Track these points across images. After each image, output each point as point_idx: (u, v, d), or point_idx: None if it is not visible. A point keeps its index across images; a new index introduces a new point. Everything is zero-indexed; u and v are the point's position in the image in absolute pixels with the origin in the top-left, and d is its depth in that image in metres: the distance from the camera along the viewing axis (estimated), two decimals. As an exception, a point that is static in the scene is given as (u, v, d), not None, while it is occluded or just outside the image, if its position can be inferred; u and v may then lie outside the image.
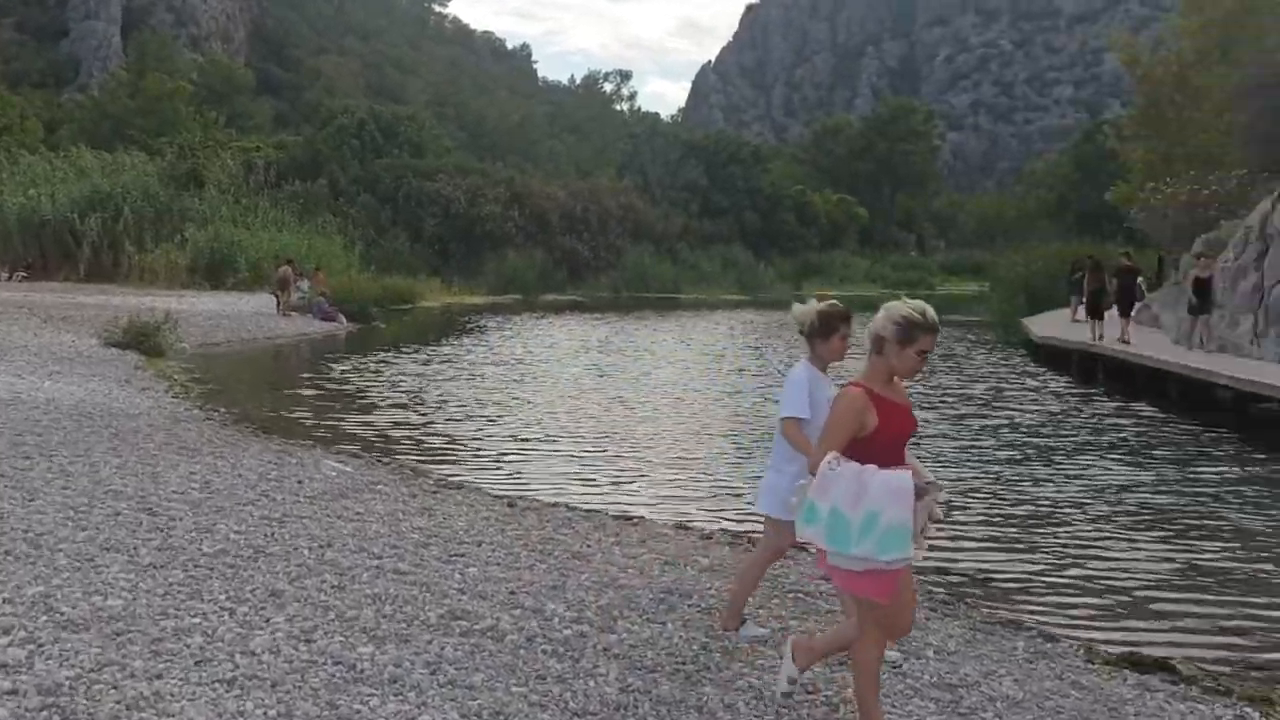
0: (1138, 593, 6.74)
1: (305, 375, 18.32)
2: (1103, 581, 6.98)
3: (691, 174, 71.49)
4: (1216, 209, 23.96)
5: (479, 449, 11.58)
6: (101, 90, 77.99)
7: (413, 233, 49.69)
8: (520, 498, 8.42)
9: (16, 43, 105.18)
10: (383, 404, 14.75)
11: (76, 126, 66.00)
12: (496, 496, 8.36)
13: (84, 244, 36.65)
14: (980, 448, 12.55)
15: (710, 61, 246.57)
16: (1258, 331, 17.14)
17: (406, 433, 12.59)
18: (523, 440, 12.12)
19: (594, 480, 9.98)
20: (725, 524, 8.05)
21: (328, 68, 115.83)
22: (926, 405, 15.76)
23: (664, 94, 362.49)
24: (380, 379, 17.58)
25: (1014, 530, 8.49)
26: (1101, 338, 22.00)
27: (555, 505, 8.00)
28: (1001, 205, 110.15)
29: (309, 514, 6.87)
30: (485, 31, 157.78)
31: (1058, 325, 24.98)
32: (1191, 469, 11.59)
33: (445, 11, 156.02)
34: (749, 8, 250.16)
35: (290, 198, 46.33)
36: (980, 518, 8.82)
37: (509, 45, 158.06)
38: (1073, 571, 7.22)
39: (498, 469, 10.46)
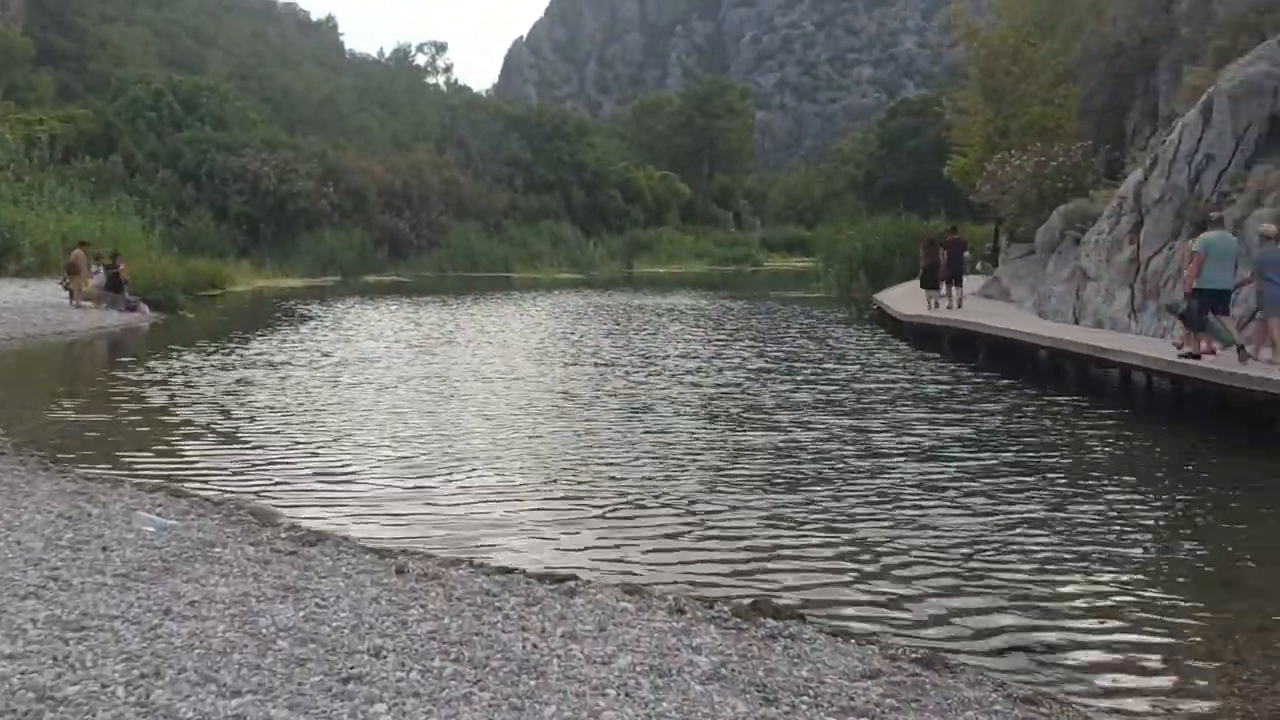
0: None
1: (104, 381, 15.57)
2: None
3: (515, 148, 69.43)
4: (1063, 182, 24.03)
5: (328, 474, 9.70)
6: None
7: (218, 212, 46.02)
8: (404, 552, 6.73)
9: None
10: (201, 418, 12.36)
11: None
12: (374, 553, 6.65)
13: None
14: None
15: (522, 36, 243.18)
16: (1135, 305, 16.91)
17: (235, 456, 10.50)
18: (379, 462, 10.27)
19: (479, 513, 8.41)
20: (682, 578, 6.59)
21: (116, 37, 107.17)
22: (829, 402, 14.85)
23: (475, 69, 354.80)
24: (195, 385, 15.01)
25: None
26: (936, 306, 23.45)
27: (456, 564, 6.31)
28: (809, 182, 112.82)
29: (121, 610, 4.98)
30: (289, 2, 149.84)
31: (920, 303, 24.79)
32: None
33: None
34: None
35: (80, 175, 42.08)
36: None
37: (314, 17, 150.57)
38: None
39: (357, 502, 8.75)
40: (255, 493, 8.97)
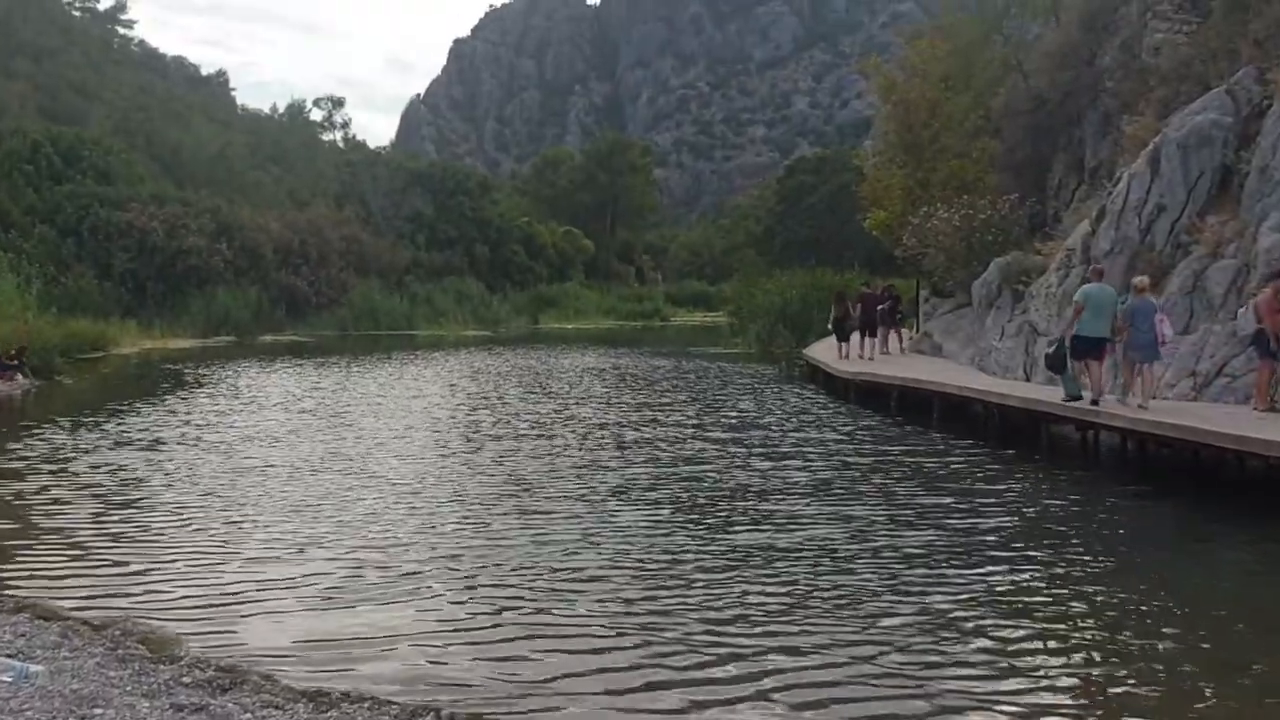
0: None
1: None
2: None
3: (417, 204, 67.85)
4: (992, 235, 23.67)
5: (233, 584, 8.12)
6: None
7: (102, 269, 43.34)
8: (346, 698, 5.34)
9: None
10: (78, 512, 10.65)
11: None
12: (307, 699, 5.26)
13: None
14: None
15: (419, 95, 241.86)
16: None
17: (119, 562, 8.84)
18: (294, 568, 8.69)
19: (428, 639, 7.07)
20: None
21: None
22: (814, 484, 13.73)
23: (370, 127, 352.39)
24: (69, 469, 13.15)
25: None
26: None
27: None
28: (710, 237, 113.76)
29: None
30: (177, 56, 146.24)
31: (859, 360, 24.30)
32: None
33: (130, 34, 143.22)
34: (456, 42, 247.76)
35: (-53, 231, 39.30)
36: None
37: (204, 71, 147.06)
38: None
39: (272, 621, 7.27)
40: (146, 610, 7.42)
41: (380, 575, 8.34)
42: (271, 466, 13.31)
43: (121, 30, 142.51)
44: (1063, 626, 7.25)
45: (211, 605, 7.58)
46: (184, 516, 10.40)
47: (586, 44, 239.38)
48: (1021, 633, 7.07)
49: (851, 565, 8.67)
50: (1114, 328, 13.96)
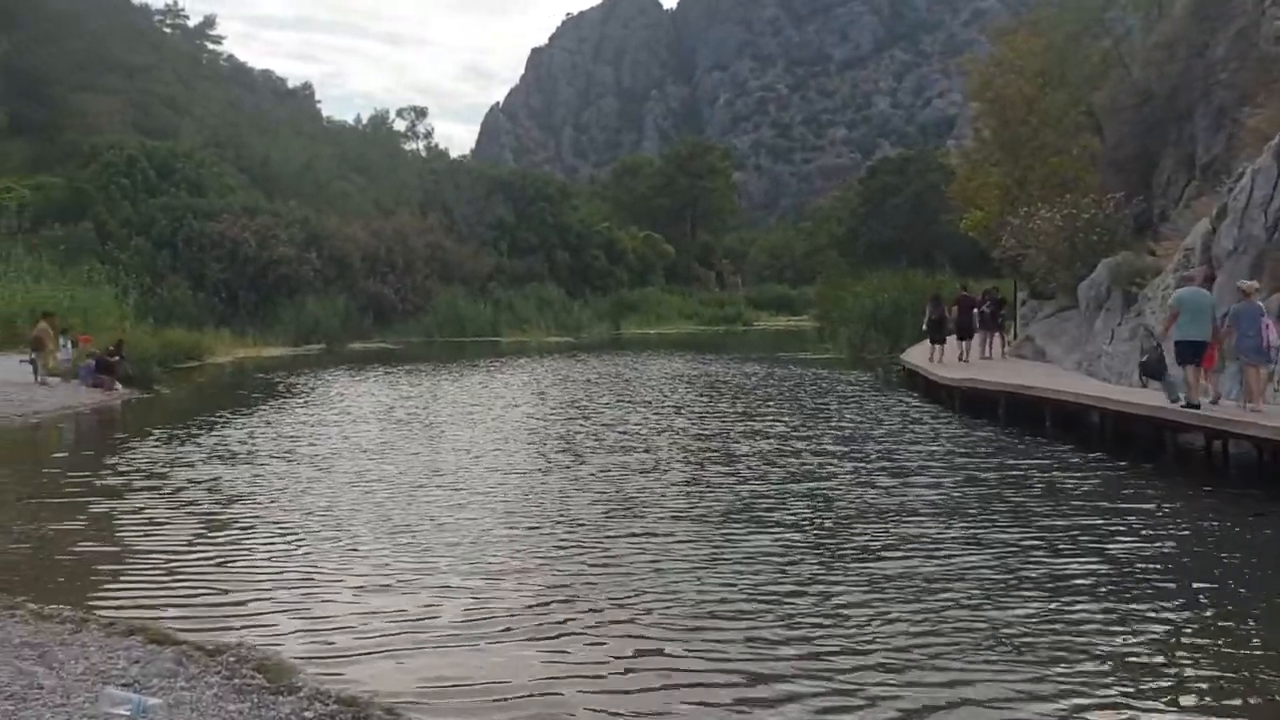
0: None
1: (69, 477, 13.56)
2: None
3: (499, 211, 68.12)
4: (1097, 235, 22.69)
5: (346, 607, 7.84)
6: None
7: (196, 280, 44.13)
8: None
9: None
10: (185, 529, 10.47)
11: None
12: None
13: None
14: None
15: (499, 103, 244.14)
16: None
17: (229, 581, 8.65)
18: (407, 591, 8.35)
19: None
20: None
21: (89, 105, 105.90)
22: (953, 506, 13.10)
23: (451, 136, 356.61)
24: (174, 482, 13.04)
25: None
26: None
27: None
28: (790, 240, 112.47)
29: None
30: (264, 70, 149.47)
31: (963, 364, 23.64)
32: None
33: (219, 49, 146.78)
34: (535, 50, 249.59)
35: (49, 243, 40.36)
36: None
37: (290, 85, 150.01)
38: None
39: (390, 649, 6.96)
40: (260, 633, 7.15)
41: (499, 607, 7.86)
42: (370, 482, 13.04)
43: (210, 45, 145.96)
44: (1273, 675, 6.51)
45: (318, 633, 7.25)
46: (285, 537, 10.11)
47: (663, 49, 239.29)
48: (1228, 683, 6.35)
49: (1006, 598, 7.96)
50: (1214, 331, 13.92)
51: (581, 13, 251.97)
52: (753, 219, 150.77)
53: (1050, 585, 8.29)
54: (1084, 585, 8.30)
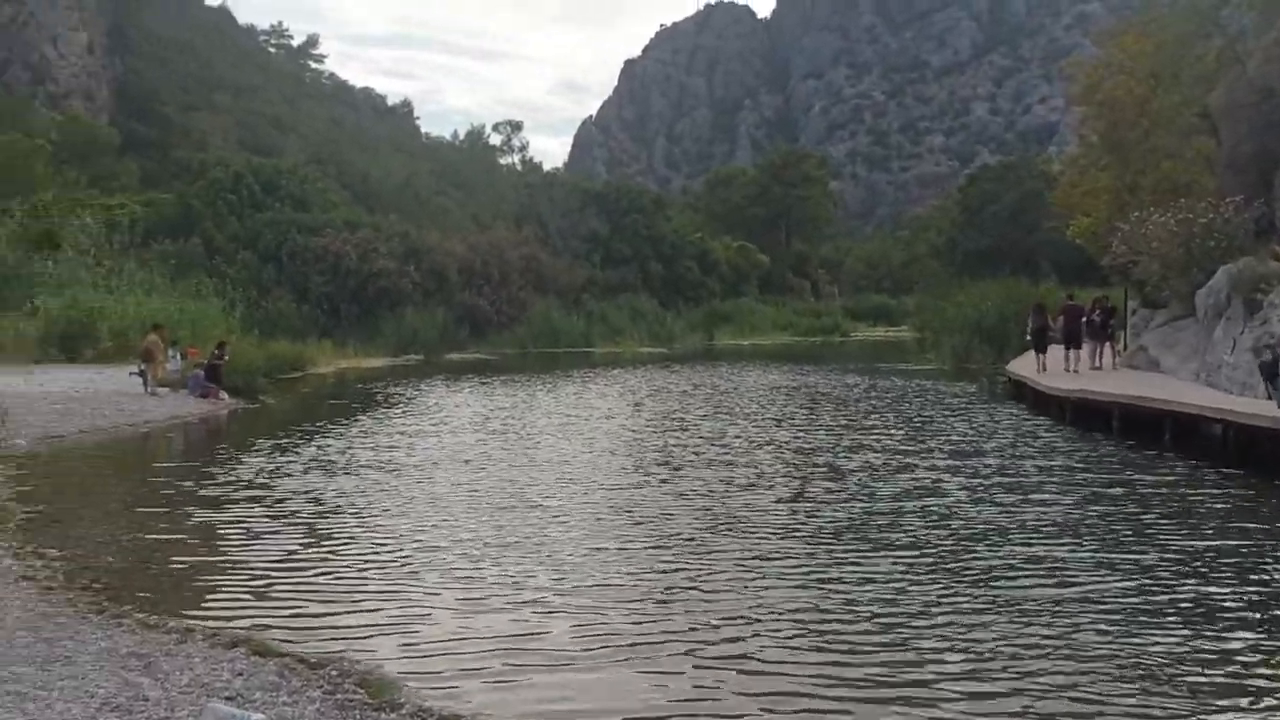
0: None
1: (176, 486, 13.71)
2: None
3: (592, 223, 68.37)
4: (1214, 240, 21.61)
5: (439, 629, 7.59)
6: (-56, 150, 71.30)
7: (299, 293, 45.10)
8: None
9: None
10: (287, 539, 10.46)
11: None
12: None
13: (-90, 316, 31.66)
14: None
15: (591, 116, 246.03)
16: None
17: (331, 592, 8.53)
18: (510, 605, 8.17)
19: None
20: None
21: (198, 125, 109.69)
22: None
23: (545, 150, 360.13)
24: (278, 492, 13.12)
25: None
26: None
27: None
28: (887, 249, 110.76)
29: None
30: (365, 88, 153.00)
31: (1072, 375, 22.77)
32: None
33: (321, 69, 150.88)
34: (627, 63, 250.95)
35: (160, 258, 41.67)
36: None
37: (390, 102, 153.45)
38: None
39: (492, 666, 6.73)
40: (360, 647, 6.99)
41: (603, 626, 7.59)
42: (469, 494, 12.91)
43: (313, 65, 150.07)
44: None
45: (419, 648, 7.08)
46: (386, 549, 9.99)
47: (757, 58, 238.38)
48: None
49: (1146, 624, 7.42)
50: None
51: (675, 24, 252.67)
52: (849, 228, 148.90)
53: (1194, 612, 7.71)
54: (1233, 614, 7.69)
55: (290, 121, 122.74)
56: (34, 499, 12.34)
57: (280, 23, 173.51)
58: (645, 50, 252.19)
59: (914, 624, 7.55)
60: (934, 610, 7.86)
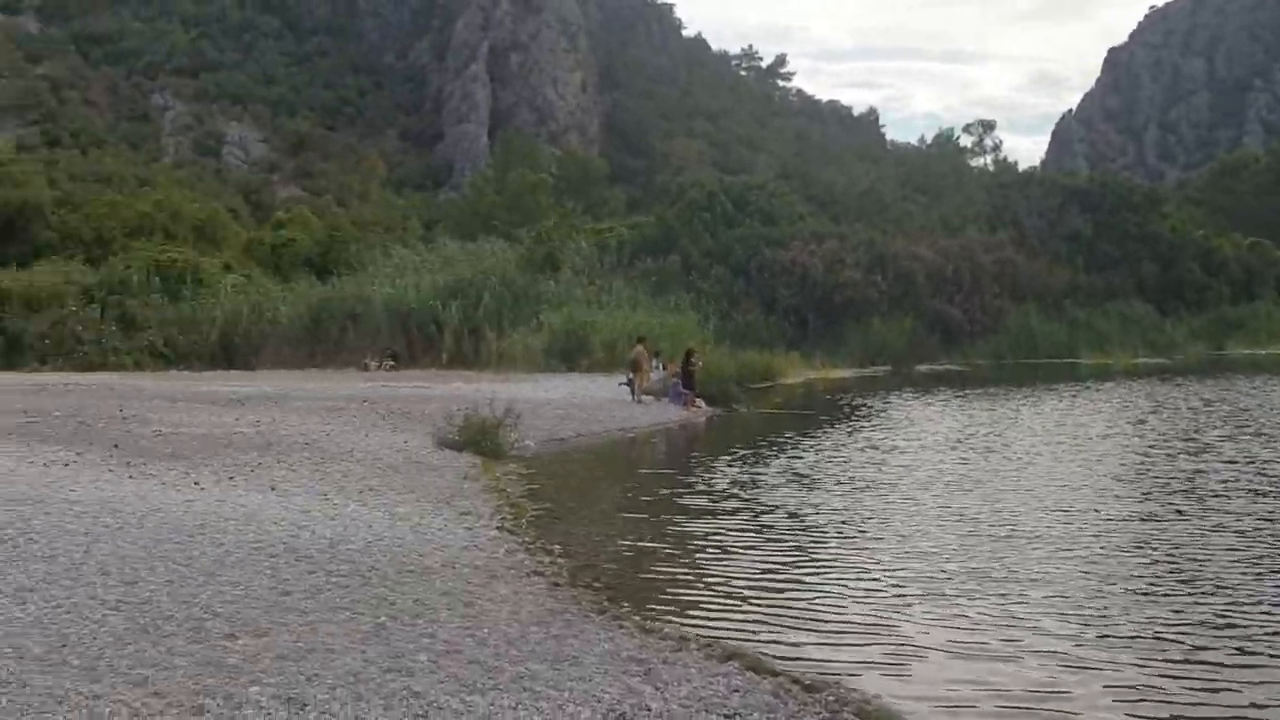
0: None
1: (663, 490, 14.07)
2: None
3: (1074, 223, 63.45)
4: None
5: (949, 669, 6.76)
6: (470, 188, 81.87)
7: (767, 305, 46.13)
8: None
9: (400, 150, 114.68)
10: (772, 550, 10.19)
11: (450, 223, 68.94)
12: None
13: (445, 331, 36.17)
14: None
15: (1071, 110, 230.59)
16: None
17: (823, 609, 8.03)
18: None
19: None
20: None
21: (676, 150, 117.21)
22: None
23: (1016, 148, 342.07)
24: (761, 499, 12.97)
25: None
26: None
27: None
28: None
29: None
30: (831, 100, 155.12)
31: None
32: None
33: (788, 86, 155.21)
34: (1112, 50, 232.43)
35: (643, 275, 44.57)
36: None
37: (855, 113, 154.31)
38: None
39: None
40: (850, 677, 6.38)
41: (1156, 696, 6.32)
42: (955, 518, 11.85)
43: (781, 83, 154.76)
44: None
45: (915, 684, 6.37)
46: (869, 573, 9.28)
47: (1266, 31, 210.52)
48: None
49: None
50: None
51: (1167, 4, 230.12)
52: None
53: None
54: None
55: (759, 140, 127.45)
56: (540, 497, 13.17)
57: (750, 46, 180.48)
58: (1132, 36, 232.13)
59: None
60: None
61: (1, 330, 33.76)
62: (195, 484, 11.65)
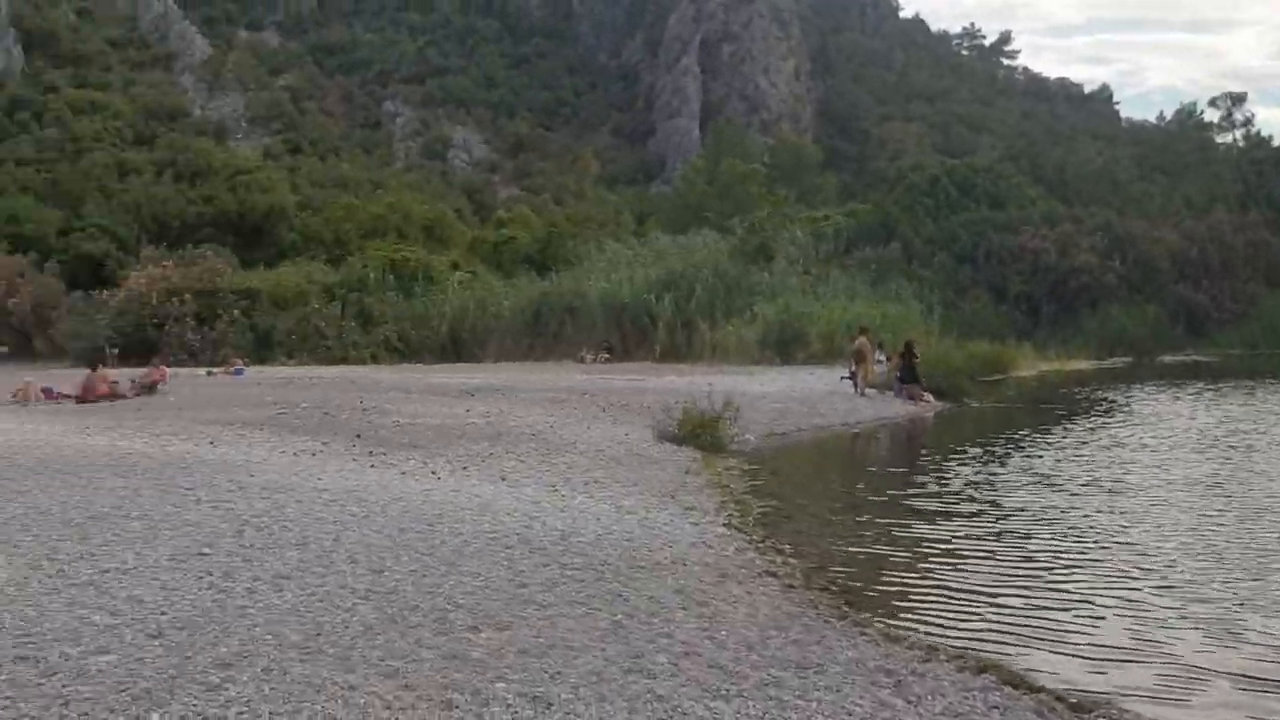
0: None
1: (893, 489, 13.48)
2: None
3: (1340, 201, 57.91)
4: None
5: (1227, 696, 6.18)
6: (681, 181, 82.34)
7: (996, 293, 44.21)
8: None
9: (613, 146, 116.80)
10: (1015, 556, 9.56)
11: (662, 217, 69.56)
12: None
13: (659, 324, 36.44)
14: None
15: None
16: None
17: (1073, 632, 7.40)
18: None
19: None
20: None
21: (893, 134, 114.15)
22: None
23: (1272, 121, 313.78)
24: (997, 501, 12.24)
25: None
26: None
27: None
28: None
29: None
30: (1060, 78, 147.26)
31: None
32: None
33: (1014, 64, 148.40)
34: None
35: (861, 265, 43.54)
36: None
37: (1086, 90, 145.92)
38: None
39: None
40: (1118, 699, 5.82)
41: None
42: (1213, 527, 10.83)
43: (1005, 61, 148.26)
44: None
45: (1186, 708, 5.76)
46: (1128, 586, 8.50)
47: None
48: None
49: None
50: None
51: None
52: None
53: None
54: None
55: (982, 120, 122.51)
56: (764, 493, 12.86)
57: (973, 24, 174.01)
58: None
59: None
60: None
61: (252, 327, 36.37)
62: (432, 473, 11.99)
